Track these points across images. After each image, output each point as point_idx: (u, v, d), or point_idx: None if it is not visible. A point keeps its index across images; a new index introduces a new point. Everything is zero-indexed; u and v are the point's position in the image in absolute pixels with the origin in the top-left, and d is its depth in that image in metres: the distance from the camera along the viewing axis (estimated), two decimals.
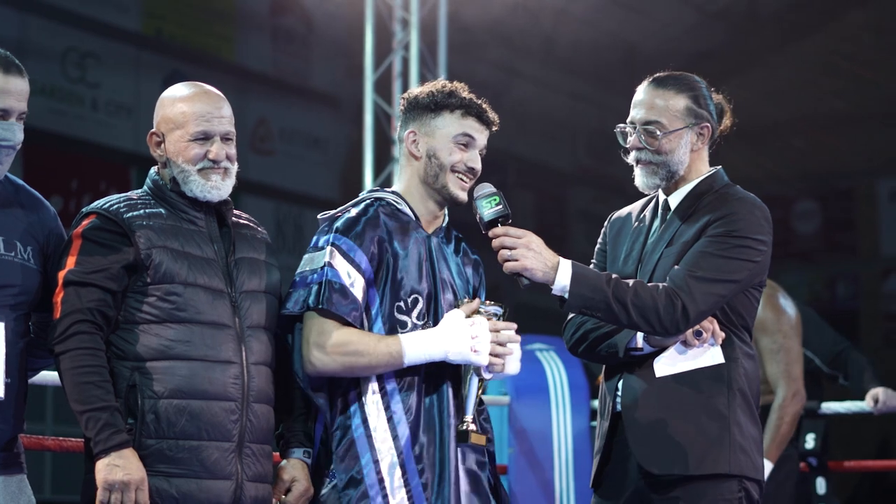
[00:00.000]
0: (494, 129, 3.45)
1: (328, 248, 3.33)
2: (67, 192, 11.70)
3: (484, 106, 3.43)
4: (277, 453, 3.40)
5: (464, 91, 3.44)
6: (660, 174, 3.46)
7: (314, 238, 3.40)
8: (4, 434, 3.16)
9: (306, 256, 3.37)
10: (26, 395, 3.24)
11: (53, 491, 11.19)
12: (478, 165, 3.42)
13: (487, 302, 3.34)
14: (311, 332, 3.29)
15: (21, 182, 3.32)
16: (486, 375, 3.31)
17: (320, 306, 3.28)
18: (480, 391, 3.35)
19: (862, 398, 5.74)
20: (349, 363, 3.27)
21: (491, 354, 3.28)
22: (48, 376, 3.99)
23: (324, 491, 3.30)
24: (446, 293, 3.39)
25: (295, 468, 3.35)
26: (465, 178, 3.40)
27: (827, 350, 5.84)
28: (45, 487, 11.05)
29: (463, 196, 3.41)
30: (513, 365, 3.34)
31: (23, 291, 3.18)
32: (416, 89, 3.49)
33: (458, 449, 3.31)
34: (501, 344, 3.30)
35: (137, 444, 3.12)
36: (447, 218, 3.50)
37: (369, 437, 3.28)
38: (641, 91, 3.49)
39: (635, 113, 3.47)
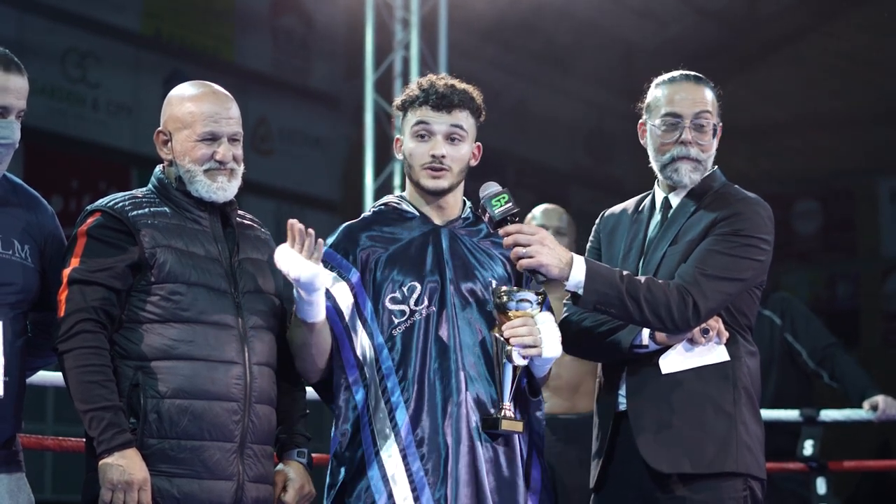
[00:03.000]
0: (458, 110, 3.39)
1: None
2: (67, 191, 11.69)
3: (441, 90, 3.38)
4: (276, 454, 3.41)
5: (433, 81, 3.41)
6: (700, 170, 3.49)
7: None
8: (4, 432, 3.16)
9: None
10: (24, 393, 3.24)
11: (54, 491, 11.18)
12: (439, 151, 3.36)
13: (517, 288, 3.32)
14: None
15: (19, 181, 3.31)
16: (519, 361, 3.28)
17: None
18: (515, 378, 3.30)
19: (860, 404, 5.73)
20: (294, 352, 3.33)
21: (515, 345, 3.26)
22: (48, 376, 3.98)
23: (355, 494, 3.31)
24: (464, 279, 3.37)
25: (290, 469, 3.35)
26: (432, 169, 3.38)
27: (814, 345, 5.83)
28: (45, 487, 11.04)
29: (436, 185, 3.39)
30: (551, 347, 3.30)
31: (22, 290, 3.18)
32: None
33: (479, 433, 3.28)
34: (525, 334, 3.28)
35: (140, 443, 3.11)
36: (468, 208, 3.49)
37: (371, 426, 3.28)
38: (680, 87, 3.47)
39: (683, 107, 3.44)
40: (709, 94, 3.48)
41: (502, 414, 3.29)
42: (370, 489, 3.25)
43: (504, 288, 3.31)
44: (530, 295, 3.30)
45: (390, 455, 3.25)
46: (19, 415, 3.21)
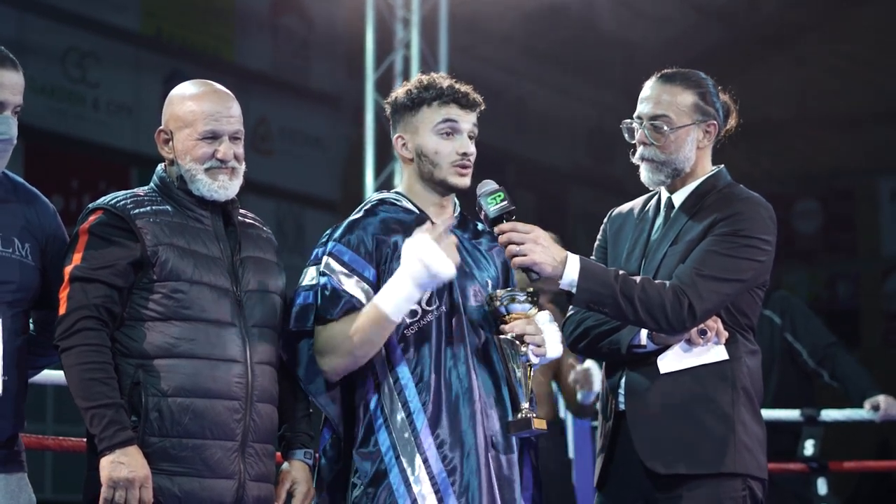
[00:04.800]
0: (479, 109, 3.41)
1: (324, 259, 3.34)
2: (68, 191, 11.69)
3: (462, 89, 3.38)
4: (279, 453, 3.40)
5: (442, 80, 3.40)
6: (665, 171, 3.46)
7: (314, 251, 3.40)
8: (4, 431, 3.15)
9: (305, 270, 3.38)
10: (26, 392, 3.23)
11: (54, 490, 11.19)
12: (470, 149, 3.37)
13: (513, 289, 3.31)
14: (315, 344, 3.31)
15: (20, 179, 3.30)
16: (534, 360, 3.27)
17: (319, 316, 3.30)
18: (530, 377, 3.29)
19: (860, 404, 5.72)
20: (348, 349, 3.25)
21: (529, 342, 3.26)
22: (48, 375, 3.98)
23: (355, 494, 3.29)
24: (464, 279, 3.35)
25: (296, 470, 3.34)
26: (462, 166, 3.37)
27: (815, 344, 5.82)
28: (45, 487, 11.04)
29: (464, 183, 3.38)
30: (553, 347, 3.32)
31: (20, 288, 3.17)
32: (396, 91, 3.46)
33: (486, 435, 3.28)
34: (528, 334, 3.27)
35: (141, 441, 3.10)
36: (458, 207, 3.48)
37: (389, 431, 3.26)
38: (648, 87, 3.48)
39: (642, 108, 3.47)
40: (676, 94, 3.45)
41: (524, 415, 3.28)
42: (392, 494, 3.23)
43: (501, 292, 3.31)
44: (529, 294, 3.30)
45: (412, 459, 3.24)
46: (20, 414, 3.20)
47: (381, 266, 3.31)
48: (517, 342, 3.27)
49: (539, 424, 3.28)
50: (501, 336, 3.29)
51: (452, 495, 3.22)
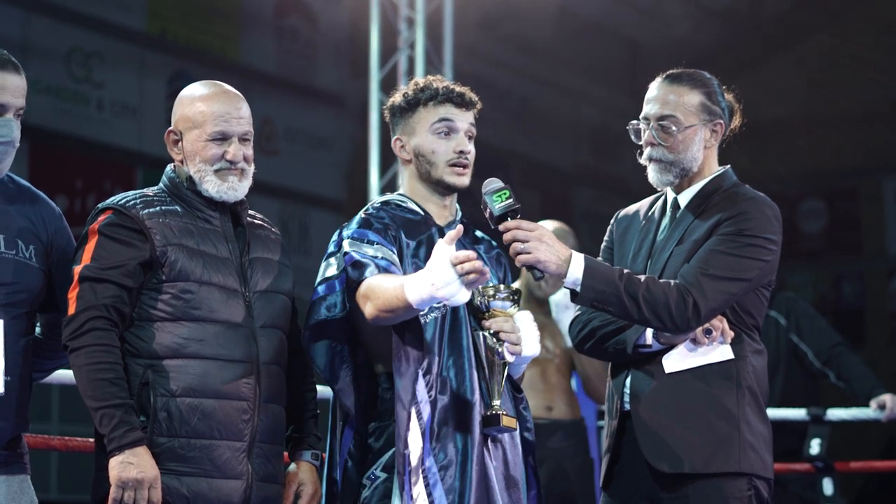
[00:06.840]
0: (476, 109, 3.42)
1: (344, 243, 3.32)
2: (72, 191, 11.70)
3: (457, 89, 3.40)
4: (286, 454, 3.40)
5: (438, 82, 3.41)
6: (673, 171, 3.46)
7: (328, 248, 3.39)
8: (4, 432, 3.15)
9: (324, 264, 3.36)
10: (30, 394, 3.23)
11: (59, 490, 11.19)
12: (467, 148, 3.38)
13: (501, 287, 3.31)
14: (357, 294, 3.25)
15: (25, 183, 3.31)
16: (509, 357, 3.27)
17: (353, 281, 3.25)
18: (503, 375, 3.29)
19: (866, 403, 5.72)
20: (377, 305, 3.18)
21: (505, 340, 3.24)
22: (53, 375, 3.98)
23: (365, 493, 3.29)
24: None
25: (303, 471, 3.35)
26: (459, 165, 3.38)
27: (820, 345, 5.82)
28: (50, 487, 11.05)
29: (462, 182, 3.39)
30: (530, 346, 3.30)
31: (21, 290, 3.17)
32: (393, 96, 3.47)
33: (487, 434, 3.28)
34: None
35: (149, 441, 3.11)
36: (459, 211, 3.49)
37: (398, 426, 3.25)
38: (655, 87, 3.48)
39: (649, 108, 3.47)
40: (683, 94, 3.45)
41: (494, 412, 3.28)
42: (388, 488, 3.25)
43: (491, 285, 3.30)
44: (511, 293, 3.29)
45: (412, 451, 3.23)
46: (24, 415, 3.20)
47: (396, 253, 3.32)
48: (494, 339, 3.26)
49: (508, 423, 3.28)
50: (480, 332, 3.29)
51: (441, 489, 3.22)
